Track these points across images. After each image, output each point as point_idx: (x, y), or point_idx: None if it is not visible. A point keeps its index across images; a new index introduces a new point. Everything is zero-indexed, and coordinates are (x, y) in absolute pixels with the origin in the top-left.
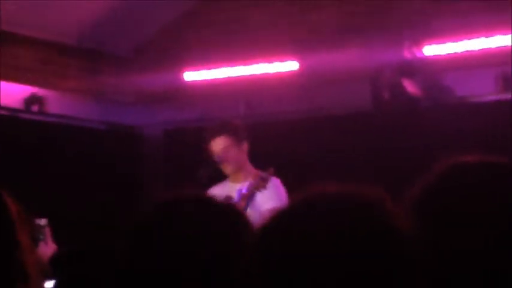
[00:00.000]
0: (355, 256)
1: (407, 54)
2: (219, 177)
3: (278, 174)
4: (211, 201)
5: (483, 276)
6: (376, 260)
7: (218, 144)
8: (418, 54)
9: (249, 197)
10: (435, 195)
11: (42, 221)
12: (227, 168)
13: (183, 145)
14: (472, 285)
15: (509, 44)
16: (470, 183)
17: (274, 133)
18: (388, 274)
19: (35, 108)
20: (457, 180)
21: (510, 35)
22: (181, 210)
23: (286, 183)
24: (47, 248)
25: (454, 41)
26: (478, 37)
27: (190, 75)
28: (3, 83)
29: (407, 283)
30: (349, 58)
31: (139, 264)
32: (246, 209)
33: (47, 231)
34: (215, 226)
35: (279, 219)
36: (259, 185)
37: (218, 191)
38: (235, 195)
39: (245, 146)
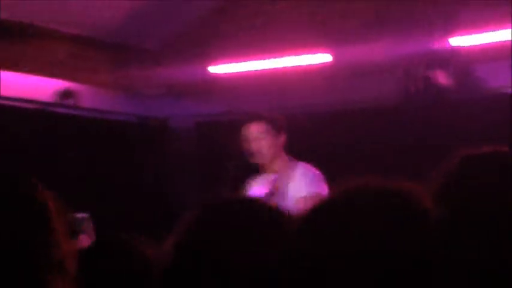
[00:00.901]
0: (394, 252)
1: (437, 45)
2: (250, 169)
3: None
4: (252, 203)
5: (501, 269)
6: (415, 255)
7: (254, 130)
8: (448, 46)
9: (281, 189)
10: (452, 189)
11: (83, 215)
12: (259, 158)
13: (214, 137)
14: (489, 279)
15: None
16: (485, 175)
17: (304, 126)
18: (427, 270)
19: (69, 102)
20: (471, 172)
21: None
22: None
23: None
24: (88, 241)
25: (484, 32)
26: (508, 27)
27: (220, 69)
28: (37, 78)
29: (441, 278)
30: (379, 50)
31: (187, 266)
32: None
33: (89, 225)
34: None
35: (317, 214)
36: (285, 177)
37: (259, 183)
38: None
39: (282, 138)
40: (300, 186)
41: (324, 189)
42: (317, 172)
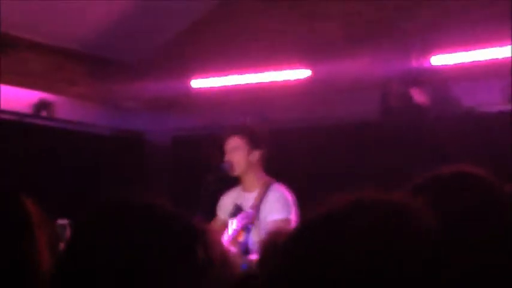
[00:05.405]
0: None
1: (415, 63)
2: (228, 183)
3: (288, 182)
4: None
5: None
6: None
7: (229, 144)
8: (425, 64)
9: (256, 210)
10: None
11: (64, 222)
12: (233, 170)
13: (190, 152)
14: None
15: None
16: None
17: (283, 141)
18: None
19: (43, 113)
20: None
21: None
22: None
23: (296, 191)
24: None
25: (462, 51)
26: (486, 47)
27: (199, 83)
28: (13, 89)
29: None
30: (358, 67)
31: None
32: (255, 220)
33: (69, 232)
34: None
35: (307, 231)
36: (258, 197)
37: (230, 198)
38: (245, 203)
39: (257, 153)
40: (271, 209)
41: (294, 215)
42: (290, 196)
